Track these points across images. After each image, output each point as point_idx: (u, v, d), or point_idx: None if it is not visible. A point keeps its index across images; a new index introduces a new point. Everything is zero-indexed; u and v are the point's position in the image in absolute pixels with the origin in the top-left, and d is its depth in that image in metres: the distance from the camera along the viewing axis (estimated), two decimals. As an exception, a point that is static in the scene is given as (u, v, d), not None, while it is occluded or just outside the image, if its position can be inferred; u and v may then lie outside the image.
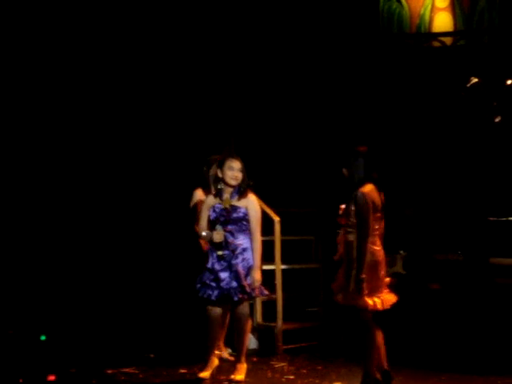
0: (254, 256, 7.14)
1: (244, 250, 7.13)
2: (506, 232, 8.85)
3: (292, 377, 7.43)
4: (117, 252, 9.40)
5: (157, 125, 9.76)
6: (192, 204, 7.79)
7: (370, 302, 6.37)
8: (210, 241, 7.12)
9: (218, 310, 7.21)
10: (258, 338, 8.62)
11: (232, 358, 7.74)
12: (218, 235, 7.09)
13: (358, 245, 6.37)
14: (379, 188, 6.57)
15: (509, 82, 8.58)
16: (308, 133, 9.89)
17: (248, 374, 7.29)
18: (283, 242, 8.71)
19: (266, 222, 8.06)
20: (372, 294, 6.40)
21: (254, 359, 8.10)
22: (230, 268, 7.10)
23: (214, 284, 7.10)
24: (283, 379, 7.37)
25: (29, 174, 9.25)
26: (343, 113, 9.83)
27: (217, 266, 7.12)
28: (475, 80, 8.85)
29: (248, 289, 7.08)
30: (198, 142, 9.42)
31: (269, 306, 8.68)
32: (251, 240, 7.15)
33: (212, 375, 7.27)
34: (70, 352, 8.07)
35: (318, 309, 9.27)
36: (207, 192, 7.49)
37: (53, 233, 9.27)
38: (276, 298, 8.56)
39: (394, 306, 6.59)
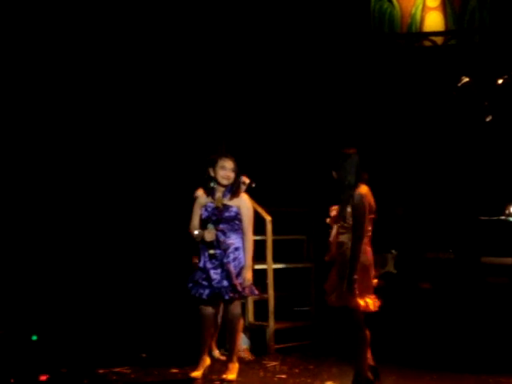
0: (246, 255, 7.14)
1: (236, 249, 7.13)
2: (497, 231, 8.87)
3: (284, 376, 7.43)
4: (108, 252, 9.39)
5: (155, 125, 9.75)
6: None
7: (361, 302, 6.40)
8: (202, 240, 7.12)
9: (209, 309, 7.21)
10: (250, 338, 8.61)
11: (224, 358, 7.74)
12: (210, 234, 7.08)
13: (353, 246, 6.39)
14: (370, 189, 6.60)
15: (500, 81, 8.59)
16: (299, 132, 9.90)
17: (240, 373, 7.28)
18: (275, 242, 8.71)
19: (258, 222, 8.05)
20: (363, 294, 6.42)
21: (246, 359, 8.10)
22: (222, 267, 7.09)
23: (205, 283, 7.10)
24: (275, 378, 7.37)
25: (26, 172, 9.24)
26: (335, 112, 9.84)
27: (208, 265, 7.12)
28: (466, 79, 8.87)
29: (239, 288, 7.08)
30: (193, 142, 9.42)
31: (261, 306, 8.68)
32: (243, 239, 7.15)
33: (204, 375, 7.25)
34: (61, 352, 8.04)
35: (309, 308, 9.28)
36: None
37: (44, 232, 9.25)
38: (268, 297, 8.56)
39: (383, 306, 6.64)
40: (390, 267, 9.16)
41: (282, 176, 9.69)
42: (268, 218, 8.57)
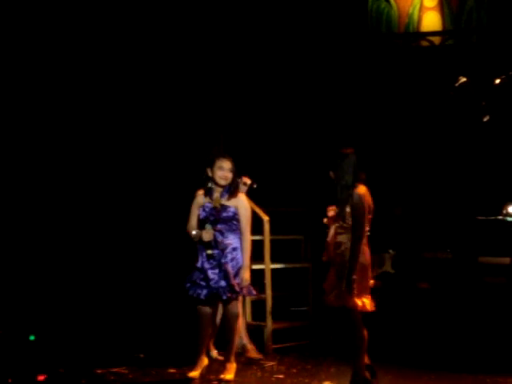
0: (244, 255, 7.14)
1: (234, 249, 7.13)
2: (495, 231, 8.87)
3: (282, 376, 7.43)
4: (106, 252, 9.38)
5: (154, 126, 9.75)
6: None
7: (359, 302, 6.40)
8: (200, 240, 7.12)
9: (207, 309, 7.21)
10: (249, 337, 8.59)
11: (221, 358, 7.74)
12: (208, 234, 7.08)
13: (352, 246, 6.39)
14: (368, 189, 6.60)
15: (497, 81, 8.60)
16: (297, 133, 9.90)
17: (237, 373, 7.28)
18: (272, 242, 8.71)
19: (256, 222, 8.05)
20: (361, 294, 6.43)
21: (244, 359, 8.10)
22: (220, 267, 7.09)
23: (203, 283, 7.10)
24: (273, 378, 7.37)
25: (26, 172, 9.23)
26: (332, 112, 9.85)
27: (206, 265, 7.12)
28: (464, 79, 8.87)
29: (237, 288, 7.08)
30: (191, 142, 9.41)
31: (258, 306, 8.68)
32: (241, 239, 7.15)
33: (202, 375, 7.25)
34: (59, 352, 8.04)
35: (307, 308, 9.28)
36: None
37: (42, 232, 9.24)
38: (265, 297, 8.56)
39: (381, 306, 6.65)
40: (388, 267, 9.16)
41: (279, 176, 9.69)
42: (266, 218, 8.57)
